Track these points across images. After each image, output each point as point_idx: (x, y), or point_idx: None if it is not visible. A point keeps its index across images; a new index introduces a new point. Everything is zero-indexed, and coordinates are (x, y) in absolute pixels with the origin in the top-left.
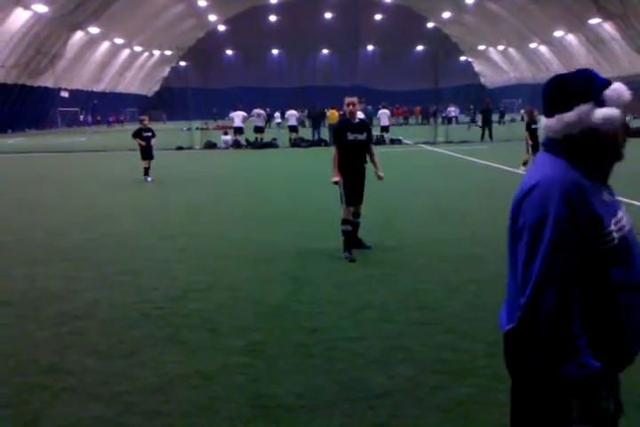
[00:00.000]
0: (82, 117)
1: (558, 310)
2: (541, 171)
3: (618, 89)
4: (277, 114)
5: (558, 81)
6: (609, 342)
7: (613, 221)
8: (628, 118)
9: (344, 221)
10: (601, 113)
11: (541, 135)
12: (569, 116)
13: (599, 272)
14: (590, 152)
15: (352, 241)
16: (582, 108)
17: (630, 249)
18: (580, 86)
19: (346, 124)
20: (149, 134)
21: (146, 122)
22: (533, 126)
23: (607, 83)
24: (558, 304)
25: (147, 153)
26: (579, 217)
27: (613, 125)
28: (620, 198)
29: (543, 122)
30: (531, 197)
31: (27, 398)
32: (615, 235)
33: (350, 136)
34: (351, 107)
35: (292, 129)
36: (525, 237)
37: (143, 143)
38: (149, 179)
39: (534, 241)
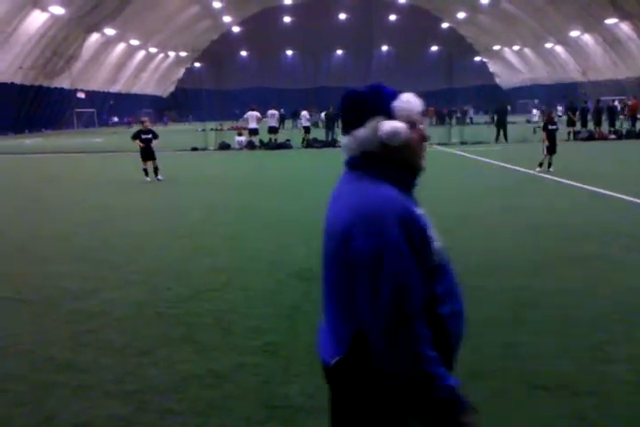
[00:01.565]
0: (114, 119)
1: (414, 339)
2: (363, 192)
3: (406, 100)
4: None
5: (350, 97)
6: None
7: (432, 234)
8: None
9: None
10: (386, 127)
11: (343, 154)
12: (361, 132)
13: (428, 289)
14: (390, 166)
15: None
16: (372, 123)
17: (447, 263)
18: (369, 101)
19: None
20: (149, 136)
21: (146, 124)
22: (550, 127)
23: (396, 94)
24: (413, 334)
25: (147, 154)
26: (413, 236)
27: (399, 138)
28: (630, 198)
29: (343, 140)
30: (364, 223)
31: (43, 395)
32: (438, 250)
33: None
34: None
35: (305, 130)
36: (365, 266)
37: (142, 145)
38: (148, 179)
39: (376, 270)
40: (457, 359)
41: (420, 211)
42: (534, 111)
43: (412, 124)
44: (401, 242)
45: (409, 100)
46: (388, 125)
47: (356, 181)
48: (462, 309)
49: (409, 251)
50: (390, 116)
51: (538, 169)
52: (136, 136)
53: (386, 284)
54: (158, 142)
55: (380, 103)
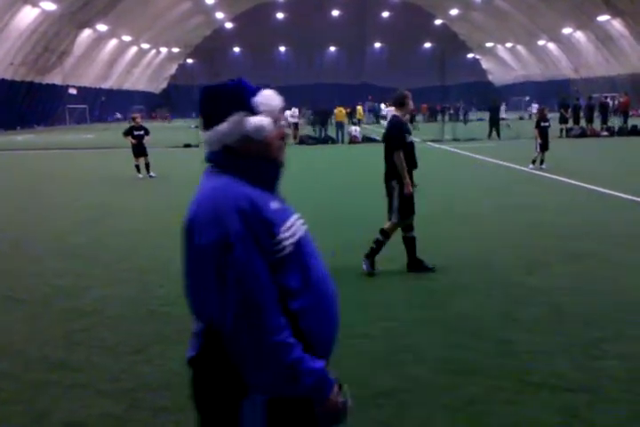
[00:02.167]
0: (118, 115)
1: (269, 329)
2: (210, 187)
3: (267, 95)
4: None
5: (210, 92)
6: None
7: (283, 228)
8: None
9: (387, 234)
10: (252, 122)
11: (204, 149)
12: (223, 126)
13: (276, 282)
14: (251, 161)
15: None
16: (235, 118)
17: (303, 254)
18: (231, 96)
19: (404, 125)
20: (141, 133)
21: (138, 120)
22: (543, 124)
23: (257, 90)
24: (266, 324)
25: (139, 150)
26: (256, 230)
27: (265, 133)
28: (623, 195)
29: (203, 136)
30: (204, 217)
31: (36, 394)
32: (286, 243)
33: (408, 138)
34: (411, 105)
35: (294, 126)
36: (209, 262)
37: (134, 141)
38: (140, 176)
39: (220, 265)
40: (326, 357)
41: (277, 206)
42: (534, 106)
43: (274, 120)
44: (241, 233)
45: (270, 97)
46: (253, 121)
47: (214, 177)
48: (326, 304)
49: (252, 243)
50: (252, 111)
51: (531, 166)
52: (128, 132)
53: (230, 276)
54: (150, 139)
55: (242, 99)
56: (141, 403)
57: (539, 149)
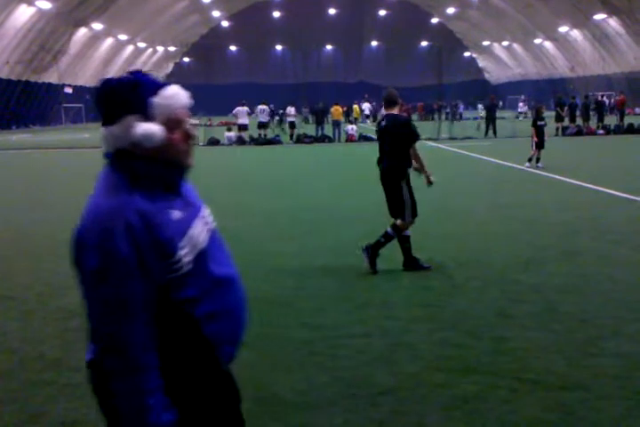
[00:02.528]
0: None
1: (130, 369)
2: (98, 196)
3: (168, 95)
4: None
5: (105, 88)
6: (200, 363)
7: (182, 244)
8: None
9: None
10: (141, 129)
11: (102, 147)
12: (114, 129)
13: (171, 296)
14: (147, 164)
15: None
16: (125, 122)
17: (204, 262)
18: (124, 96)
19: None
20: None
21: None
22: (539, 123)
23: (158, 88)
24: (129, 363)
25: None
26: (144, 252)
27: (154, 141)
28: (619, 193)
29: (102, 132)
30: (87, 237)
31: (31, 393)
32: (185, 260)
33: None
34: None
35: (290, 125)
36: (88, 283)
37: None
38: None
39: (96, 289)
40: (231, 359)
41: (177, 214)
42: (520, 104)
43: (173, 123)
44: (122, 259)
45: (171, 96)
46: (142, 129)
47: (105, 179)
48: (230, 307)
49: (133, 268)
50: (146, 115)
51: (527, 164)
52: None
53: (101, 307)
54: None
55: (137, 99)
56: None
57: (535, 148)
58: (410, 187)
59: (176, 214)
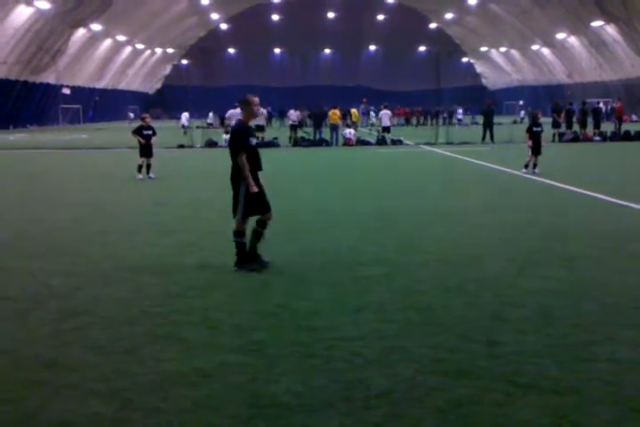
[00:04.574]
0: (131, 115)
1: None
2: None
3: None
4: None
5: None
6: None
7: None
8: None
9: (241, 233)
10: None
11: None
12: None
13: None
14: None
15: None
16: None
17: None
18: None
19: (248, 129)
20: (150, 132)
21: (147, 120)
22: (535, 129)
23: None
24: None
25: (146, 151)
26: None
27: None
28: (614, 200)
29: None
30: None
31: (27, 393)
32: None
33: (253, 141)
34: (255, 108)
35: (292, 128)
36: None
37: (143, 141)
38: (140, 176)
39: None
40: None
41: None
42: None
43: None
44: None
45: None
46: None
47: None
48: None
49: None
50: None
51: (524, 170)
52: (137, 131)
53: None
54: (157, 139)
55: None
56: (132, 403)
57: (531, 154)
58: (248, 189)
59: None
